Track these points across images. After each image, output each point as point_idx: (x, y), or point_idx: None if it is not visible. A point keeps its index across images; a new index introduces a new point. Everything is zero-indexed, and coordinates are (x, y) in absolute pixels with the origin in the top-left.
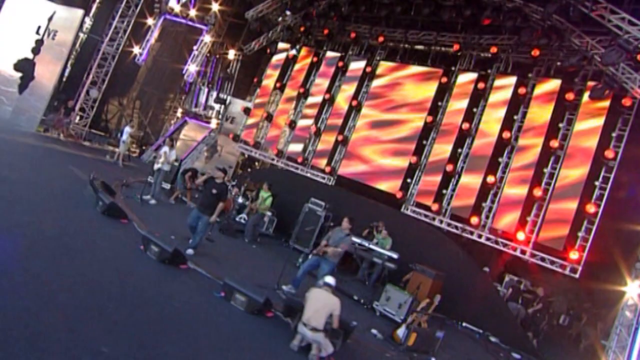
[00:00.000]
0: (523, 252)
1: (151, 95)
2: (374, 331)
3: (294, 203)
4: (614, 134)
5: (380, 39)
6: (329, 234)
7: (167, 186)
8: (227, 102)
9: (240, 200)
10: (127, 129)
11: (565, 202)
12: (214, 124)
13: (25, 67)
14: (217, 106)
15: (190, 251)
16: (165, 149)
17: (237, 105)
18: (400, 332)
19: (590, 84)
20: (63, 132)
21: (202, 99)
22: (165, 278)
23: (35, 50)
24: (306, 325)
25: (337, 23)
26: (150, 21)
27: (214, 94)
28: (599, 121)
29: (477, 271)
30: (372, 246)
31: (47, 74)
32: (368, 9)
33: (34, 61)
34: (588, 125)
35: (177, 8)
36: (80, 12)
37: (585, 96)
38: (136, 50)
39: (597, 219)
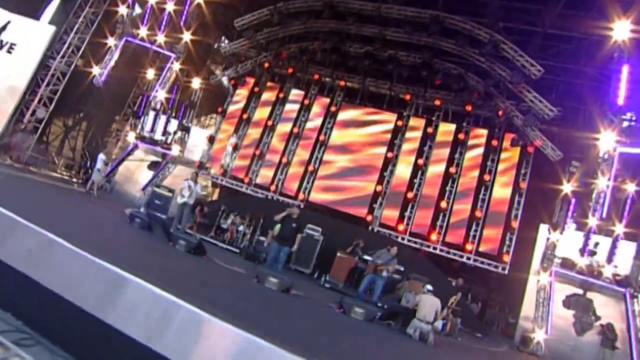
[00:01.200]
0: (468, 258)
1: (98, 117)
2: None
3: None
4: (523, 170)
5: (342, 83)
6: (377, 255)
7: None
8: (190, 129)
9: (241, 228)
10: (102, 157)
11: (496, 218)
12: (175, 150)
13: None
14: (177, 133)
15: None
16: (190, 183)
17: (197, 132)
18: (438, 324)
19: (509, 135)
20: (16, 157)
21: (162, 125)
22: (291, 299)
23: None
24: (422, 321)
25: (302, 64)
26: (111, 41)
27: (173, 120)
28: (514, 161)
29: (441, 277)
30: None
31: (3, 92)
32: (339, 58)
33: None
34: (507, 164)
35: (144, 32)
36: (51, 29)
37: (505, 143)
38: (96, 70)
39: (516, 233)
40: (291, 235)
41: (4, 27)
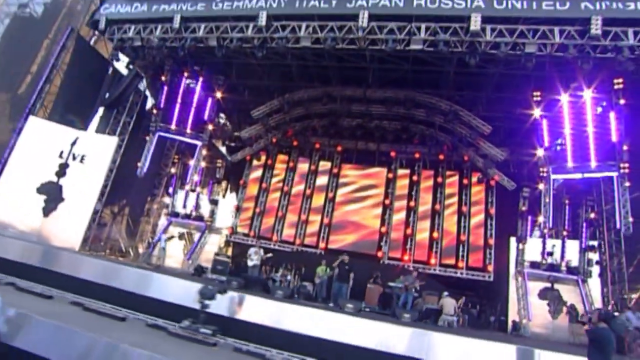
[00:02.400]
0: (462, 273)
1: (135, 200)
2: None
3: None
4: (490, 199)
5: (339, 148)
6: (405, 279)
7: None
8: (218, 202)
9: (289, 277)
10: (164, 237)
11: (477, 239)
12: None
13: (50, 190)
14: (208, 206)
15: None
16: (256, 249)
17: (223, 203)
18: (454, 320)
19: (475, 173)
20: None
21: (193, 201)
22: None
23: (60, 174)
24: (447, 315)
25: (305, 137)
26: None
27: (204, 196)
28: (482, 193)
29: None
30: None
31: (83, 195)
32: (335, 129)
33: (59, 184)
34: (478, 197)
35: (173, 126)
36: (114, 139)
37: (473, 179)
38: (138, 165)
39: (493, 248)
40: (347, 275)
41: (75, 142)
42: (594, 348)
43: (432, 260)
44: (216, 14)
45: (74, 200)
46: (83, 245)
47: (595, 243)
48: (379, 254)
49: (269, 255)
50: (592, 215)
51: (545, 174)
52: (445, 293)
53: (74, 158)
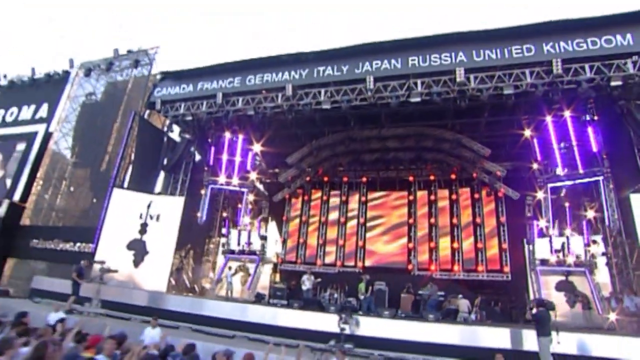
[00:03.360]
0: (483, 276)
1: (197, 243)
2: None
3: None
4: (500, 209)
5: (364, 179)
6: (429, 289)
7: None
8: (267, 237)
9: (335, 296)
10: (229, 272)
11: (492, 245)
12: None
13: (138, 246)
14: (259, 240)
15: None
16: (308, 276)
17: (270, 237)
18: (472, 316)
19: (484, 187)
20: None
21: (245, 238)
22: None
23: (142, 232)
24: (462, 312)
25: (334, 173)
26: (201, 191)
27: (254, 232)
28: (492, 205)
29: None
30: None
31: (163, 245)
32: (358, 164)
33: (143, 240)
34: (489, 208)
35: (223, 179)
36: (181, 199)
37: (483, 193)
38: (197, 215)
39: (508, 251)
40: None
41: (149, 205)
42: (539, 325)
43: (456, 267)
44: (250, 88)
45: (156, 252)
46: (168, 288)
47: (599, 237)
48: (409, 266)
49: (318, 280)
50: (591, 214)
51: (542, 183)
52: (460, 296)
53: (151, 218)
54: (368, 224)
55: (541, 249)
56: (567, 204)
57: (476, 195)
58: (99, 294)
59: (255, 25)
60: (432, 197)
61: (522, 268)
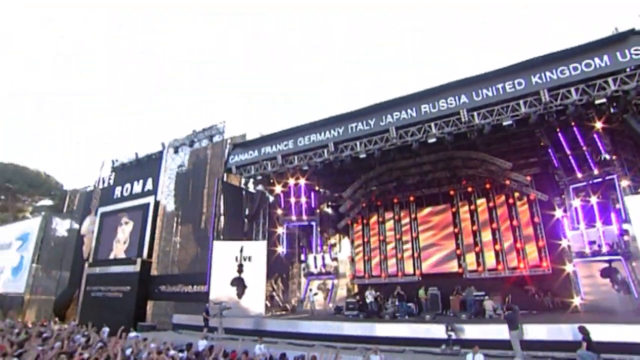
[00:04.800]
0: (525, 272)
1: (282, 270)
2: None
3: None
4: (534, 210)
5: (411, 198)
6: (469, 291)
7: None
8: (338, 259)
9: (397, 303)
10: (311, 293)
11: (530, 243)
12: (337, 274)
13: (239, 282)
14: (332, 262)
15: None
16: (370, 290)
17: (341, 257)
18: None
19: (517, 192)
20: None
21: (320, 262)
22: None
23: (240, 271)
24: (488, 311)
25: (385, 197)
26: (279, 229)
27: (327, 255)
28: (526, 207)
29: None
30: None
31: (257, 279)
32: (404, 186)
33: (241, 277)
34: (523, 209)
35: (294, 217)
36: (264, 243)
37: (517, 198)
38: (279, 249)
39: (546, 247)
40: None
41: (241, 250)
42: (509, 323)
43: (500, 267)
44: (302, 148)
45: (252, 285)
46: (266, 310)
47: (630, 226)
48: (460, 270)
49: (378, 293)
50: (618, 206)
51: (563, 186)
52: (486, 297)
53: (244, 259)
54: (420, 237)
55: (576, 242)
56: (594, 199)
57: (510, 201)
58: (221, 324)
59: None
60: (472, 207)
61: (561, 261)
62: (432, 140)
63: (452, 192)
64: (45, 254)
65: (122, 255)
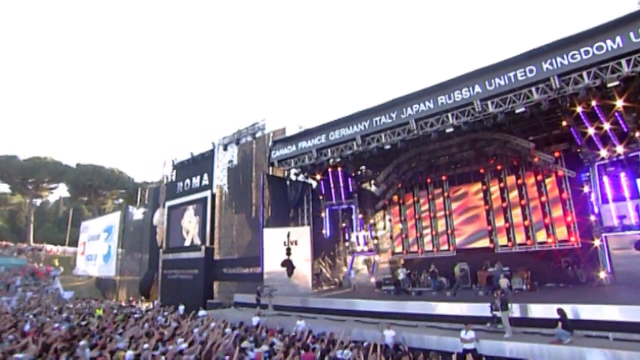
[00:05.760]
0: (554, 246)
1: (329, 249)
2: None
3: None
4: (563, 186)
5: (444, 177)
6: (497, 267)
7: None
8: (377, 237)
9: (429, 278)
10: (353, 271)
11: (559, 218)
12: (374, 251)
13: (288, 263)
14: (373, 240)
15: None
16: (401, 268)
17: (381, 235)
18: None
19: (545, 169)
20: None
21: (362, 240)
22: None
23: (288, 253)
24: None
25: (418, 178)
26: (323, 213)
27: (367, 233)
28: (554, 183)
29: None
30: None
31: (303, 260)
32: (435, 167)
33: (290, 259)
34: (551, 186)
35: (335, 201)
36: (307, 228)
37: (545, 174)
38: (324, 231)
39: (575, 222)
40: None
41: (288, 235)
42: (502, 304)
43: (529, 242)
44: (333, 142)
45: (300, 265)
46: (313, 287)
47: None
48: (491, 245)
49: (409, 270)
50: None
51: (588, 164)
52: (502, 275)
53: (292, 243)
54: (454, 214)
55: (605, 216)
56: (622, 174)
57: (539, 177)
58: (271, 303)
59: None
60: (502, 184)
61: (590, 235)
62: (449, 130)
63: (482, 170)
64: (127, 239)
65: (189, 243)
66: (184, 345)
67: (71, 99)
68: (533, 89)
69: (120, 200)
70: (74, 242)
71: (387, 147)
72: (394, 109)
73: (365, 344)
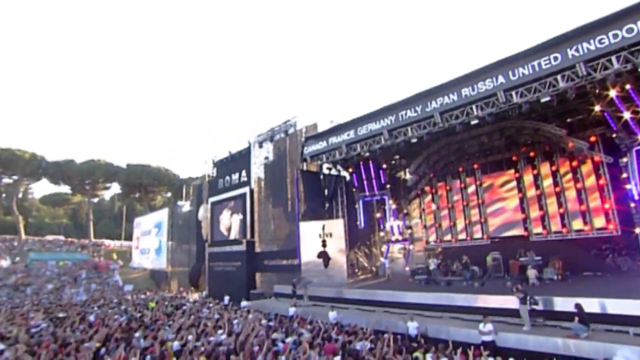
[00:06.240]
0: (592, 234)
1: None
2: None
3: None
4: (600, 172)
5: (476, 165)
6: (530, 256)
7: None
8: (411, 227)
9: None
10: (387, 261)
11: (596, 205)
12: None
13: (323, 255)
14: (407, 230)
15: None
16: (432, 258)
17: (415, 224)
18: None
19: (581, 155)
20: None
21: (396, 229)
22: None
23: (324, 245)
24: (531, 278)
25: (450, 167)
26: (356, 205)
27: (401, 223)
28: (591, 169)
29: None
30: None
31: (338, 251)
32: (466, 156)
33: (325, 251)
34: (587, 171)
35: (367, 193)
36: (341, 220)
37: (581, 160)
38: (359, 222)
39: (614, 209)
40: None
41: (323, 227)
42: (522, 298)
43: (564, 230)
44: (362, 137)
45: (336, 256)
46: (348, 276)
47: None
48: (525, 234)
49: (438, 261)
50: None
51: (625, 149)
52: (530, 266)
53: (326, 236)
54: (487, 202)
55: None
56: None
57: (574, 163)
58: (306, 294)
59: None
60: (535, 172)
61: (631, 223)
62: (474, 121)
63: (514, 158)
64: (176, 232)
65: (231, 237)
66: (223, 337)
67: (118, 104)
68: (559, 77)
69: (169, 194)
70: (129, 237)
71: (414, 140)
72: (419, 102)
73: (385, 335)
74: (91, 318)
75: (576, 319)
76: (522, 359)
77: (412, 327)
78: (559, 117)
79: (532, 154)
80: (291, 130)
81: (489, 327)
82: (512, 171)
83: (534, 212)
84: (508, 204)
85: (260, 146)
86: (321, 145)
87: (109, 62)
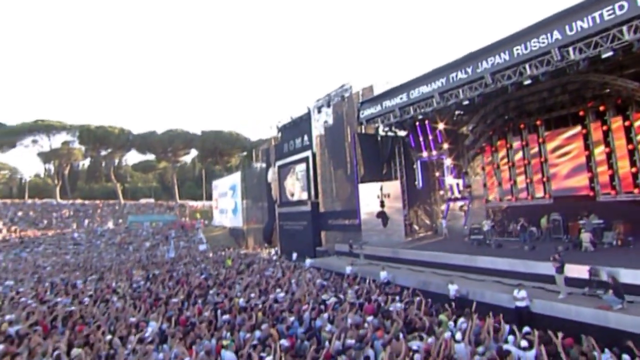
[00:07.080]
0: None
1: (425, 197)
2: None
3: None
4: None
5: (538, 122)
6: (590, 219)
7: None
8: (471, 185)
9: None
10: (444, 221)
11: None
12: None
13: (382, 215)
14: (466, 189)
15: None
16: (486, 220)
17: (475, 182)
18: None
19: None
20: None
21: (456, 188)
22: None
23: (382, 206)
24: (585, 242)
25: (510, 123)
26: (414, 165)
27: (460, 181)
28: None
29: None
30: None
31: (396, 211)
32: (527, 112)
33: (384, 211)
34: None
35: (425, 154)
36: (397, 182)
37: None
38: (417, 182)
39: None
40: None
41: (381, 188)
42: (559, 268)
43: (637, 190)
44: (414, 100)
45: (394, 216)
46: (406, 236)
47: None
48: (591, 194)
49: (492, 223)
50: None
51: None
52: (584, 230)
53: (384, 196)
54: (550, 160)
55: None
56: None
57: None
58: (362, 254)
59: None
60: (605, 127)
61: None
62: (527, 81)
63: (581, 113)
64: (251, 191)
65: (297, 198)
66: (281, 295)
67: (190, 75)
68: (624, 28)
69: (244, 153)
70: (209, 197)
71: (465, 102)
72: (469, 63)
73: (417, 299)
74: (177, 275)
75: (610, 291)
76: (553, 327)
77: (452, 289)
78: (628, 67)
79: (602, 107)
80: (347, 95)
81: (523, 293)
82: (579, 127)
83: (602, 171)
84: (574, 162)
85: (319, 111)
86: (375, 109)
87: (180, 40)
